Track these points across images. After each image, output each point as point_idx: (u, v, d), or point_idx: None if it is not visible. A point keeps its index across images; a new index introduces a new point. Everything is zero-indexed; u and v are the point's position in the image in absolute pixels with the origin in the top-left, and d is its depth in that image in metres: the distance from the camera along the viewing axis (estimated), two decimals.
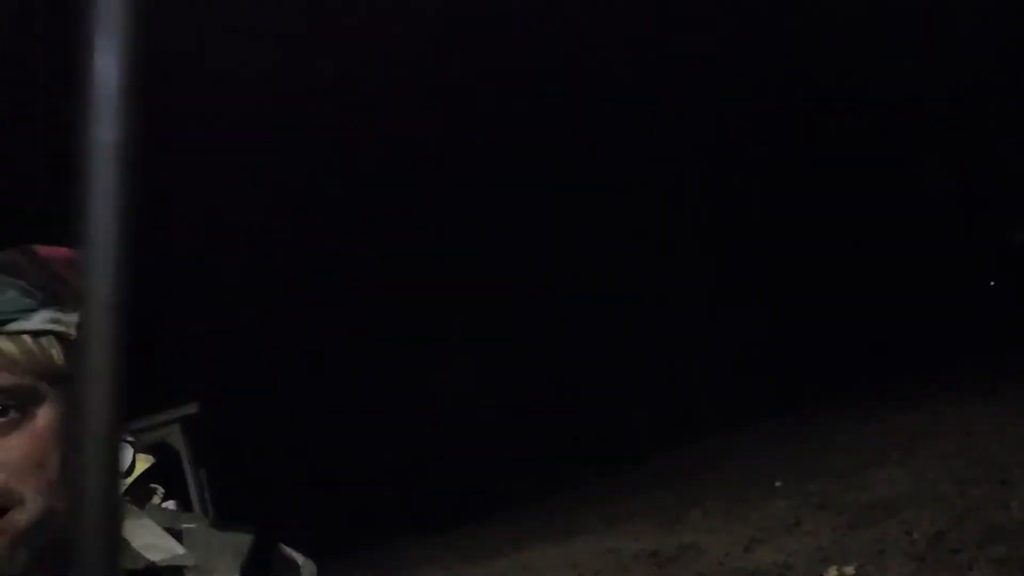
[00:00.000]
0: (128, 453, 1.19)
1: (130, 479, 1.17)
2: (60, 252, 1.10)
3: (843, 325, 17.99)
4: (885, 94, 17.27)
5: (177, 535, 1.10)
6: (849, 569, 5.79)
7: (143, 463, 1.17)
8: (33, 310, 1.03)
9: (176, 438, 10.60)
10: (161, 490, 1.19)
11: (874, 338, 17.42)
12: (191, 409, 10.58)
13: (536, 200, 17.28)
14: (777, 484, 8.34)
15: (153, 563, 1.07)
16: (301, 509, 15.28)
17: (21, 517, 0.97)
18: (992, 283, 19.36)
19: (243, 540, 1.10)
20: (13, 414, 0.99)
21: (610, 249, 17.42)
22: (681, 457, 12.91)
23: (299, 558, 1.12)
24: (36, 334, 1.02)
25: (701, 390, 17.04)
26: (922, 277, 18.38)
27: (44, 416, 1.01)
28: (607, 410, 16.96)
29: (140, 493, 1.17)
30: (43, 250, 1.09)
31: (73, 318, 1.04)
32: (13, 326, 1.01)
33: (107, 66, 0.46)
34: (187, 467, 10.57)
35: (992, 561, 5.39)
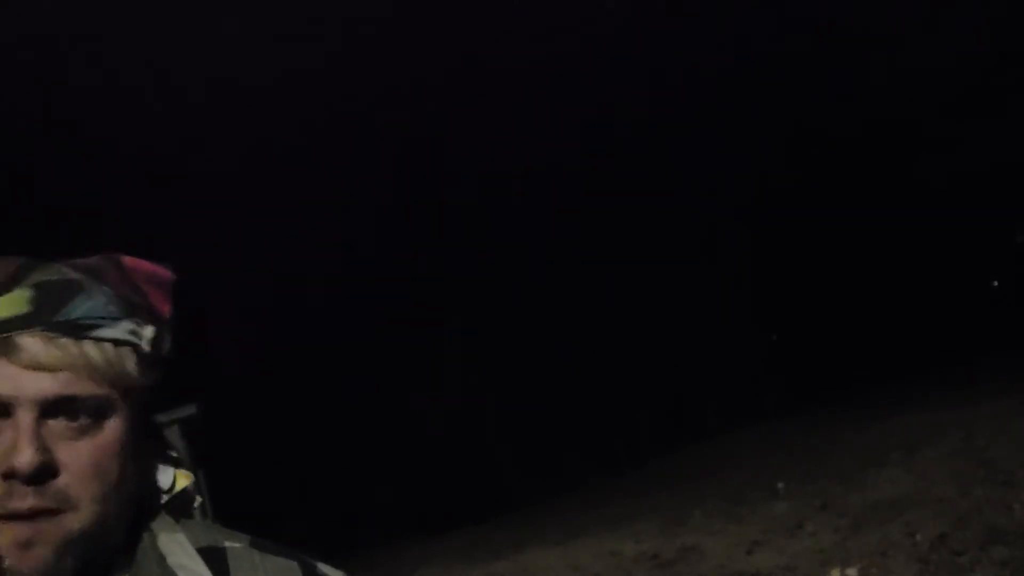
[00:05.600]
0: (168, 472, 1.15)
1: (168, 496, 1.16)
2: (144, 264, 1.11)
3: (844, 326, 17.99)
4: (884, 93, 17.25)
5: (220, 553, 1.09)
6: (851, 571, 5.76)
7: (184, 479, 1.15)
8: (117, 318, 1.03)
9: (175, 440, 10.59)
10: (199, 499, 1.18)
11: (875, 339, 17.41)
12: (190, 410, 10.56)
13: (537, 202, 17.27)
14: (779, 486, 8.31)
15: None
16: (300, 510, 15.26)
17: (73, 522, 0.98)
18: (995, 283, 19.36)
19: (291, 569, 1.09)
20: (84, 420, 1.00)
21: (611, 250, 17.41)
22: (682, 459, 12.89)
23: (336, 575, 1.11)
24: (117, 343, 1.02)
25: (702, 392, 17.02)
26: (923, 277, 18.38)
27: (112, 427, 1.02)
28: (608, 411, 16.94)
29: (177, 507, 1.15)
30: (128, 260, 1.10)
31: (148, 332, 1.06)
32: (98, 332, 1.01)
33: None
34: None
35: (995, 563, 5.37)
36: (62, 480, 0.98)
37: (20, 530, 0.96)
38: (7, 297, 1.01)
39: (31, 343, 0.99)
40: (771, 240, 18.18)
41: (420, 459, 16.24)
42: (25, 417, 0.98)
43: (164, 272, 1.12)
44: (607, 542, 7.80)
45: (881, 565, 5.77)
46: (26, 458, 0.96)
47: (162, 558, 1.07)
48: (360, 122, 16.28)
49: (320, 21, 15.37)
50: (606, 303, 17.51)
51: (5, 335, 0.99)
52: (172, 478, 1.13)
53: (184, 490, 1.13)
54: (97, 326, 1.01)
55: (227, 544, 1.10)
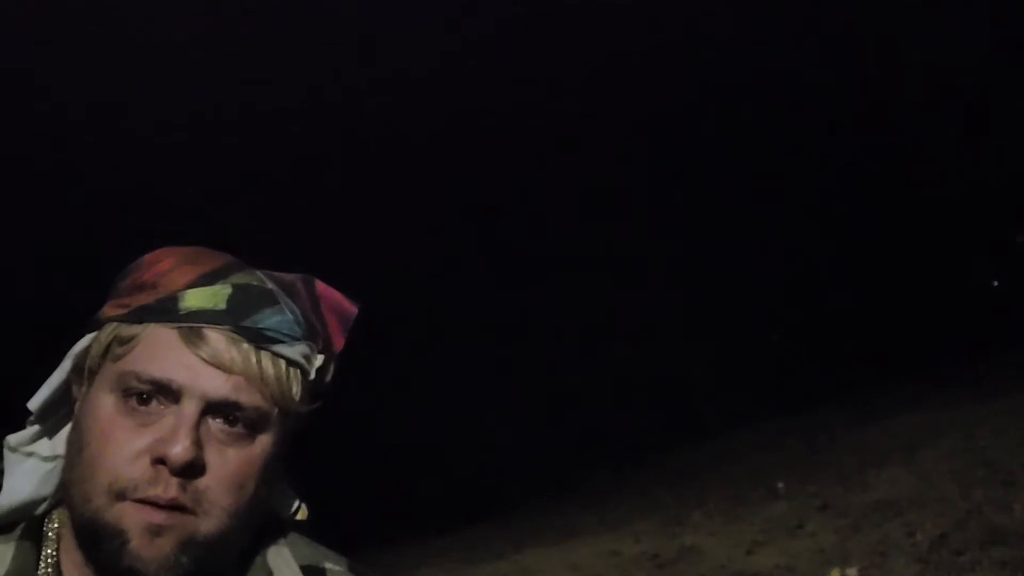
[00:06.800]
0: (293, 501, 1.17)
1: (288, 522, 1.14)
2: (334, 294, 1.14)
3: (844, 325, 17.97)
4: (883, 93, 17.25)
5: (320, 574, 1.11)
6: (851, 571, 5.76)
7: (303, 513, 1.17)
8: (297, 339, 1.04)
9: None
10: (304, 509, 1.19)
11: (875, 338, 17.40)
12: None
13: (538, 200, 17.28)
14: (779, 486, 8.31)
15: None
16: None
17: (201, 525, 0.98)
18: (995, 283, 19.33)
19: None
20: (240, 429, 1.01)
21: (611, 249, 17.40)
22: (682, 458, 12.88)
23: None
24: (290, 362, 1.04)
25: (702, 391, 17.01)
26: (924, 277, 18.36)
27: (262, 442, 1.03)
28: (608, 411, 16.93)
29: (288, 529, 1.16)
30: (320, 286, 1.12)
31: (319, 360, 1.08)
32: (278, 347, 1.02)
33: None
34: None
35: (995, 563, 5.36)
36: (203, 482, 0.98)
37: (154, 516, 0.96)
38: (209, 289, 1.02)
39: (216, 339, 0.99)
40: (770, 240, 18.18)
41: (421, 459, 16.24)
42: (190, 409, 0.98)
43: (350, 306, 1.14)
44: (607, 542, 7.80)
45: (881, 565, 5.77)
46: (181, 449, 0.96)
47: (269, 573, 1.07)
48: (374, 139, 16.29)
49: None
50: (605, 302, 17.51)
51: (195, 325, 0.99)
52: (295, 507, 1.15)
53: (301, 522, 1.15)
54: (279, 341, 1.02)
55: (327, 566, 1.12)
